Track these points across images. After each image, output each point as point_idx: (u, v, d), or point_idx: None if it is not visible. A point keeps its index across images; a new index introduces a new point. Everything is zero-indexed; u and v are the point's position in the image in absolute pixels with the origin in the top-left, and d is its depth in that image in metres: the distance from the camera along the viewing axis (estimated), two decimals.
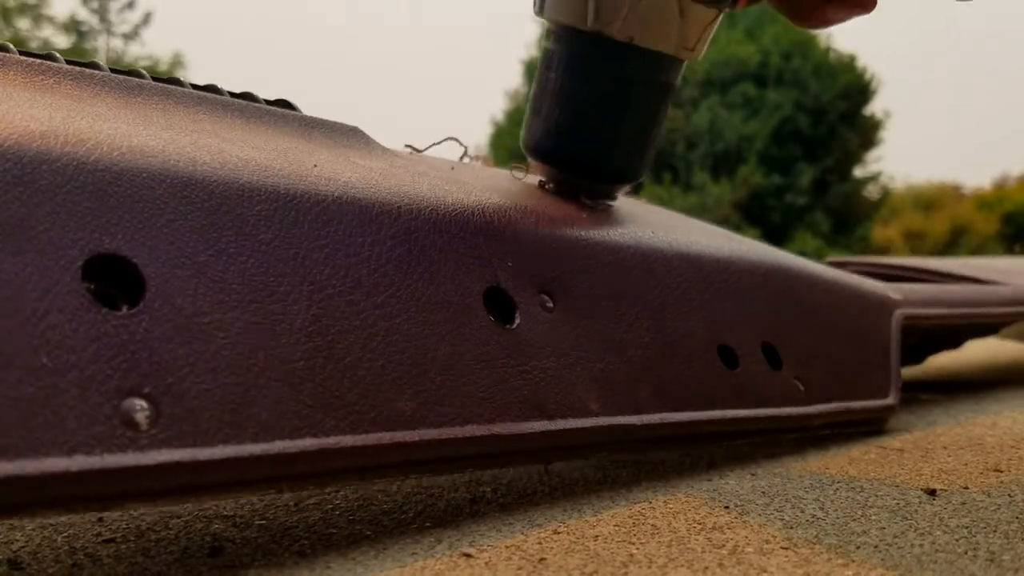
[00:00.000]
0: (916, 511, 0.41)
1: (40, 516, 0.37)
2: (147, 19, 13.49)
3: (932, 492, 0.45)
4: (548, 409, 0.42)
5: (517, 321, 0.43)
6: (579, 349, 0.45)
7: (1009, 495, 0.44)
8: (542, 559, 0.34)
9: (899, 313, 0.68)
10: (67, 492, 0.28)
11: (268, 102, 0.47)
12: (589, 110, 0.52)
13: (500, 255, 0.44)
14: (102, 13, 13.35)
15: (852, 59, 9.24)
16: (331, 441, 0.34)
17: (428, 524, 0.40)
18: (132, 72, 0.43)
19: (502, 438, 0.39)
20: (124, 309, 0.31)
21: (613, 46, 0.50)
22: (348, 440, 0.34)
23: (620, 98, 0.52)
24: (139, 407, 0.29)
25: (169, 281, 0.32)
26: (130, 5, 13.40)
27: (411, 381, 0.37)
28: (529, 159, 0.56)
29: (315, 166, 0.40)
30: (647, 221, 0.55)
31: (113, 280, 0.31)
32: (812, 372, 0.58)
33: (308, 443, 0.33)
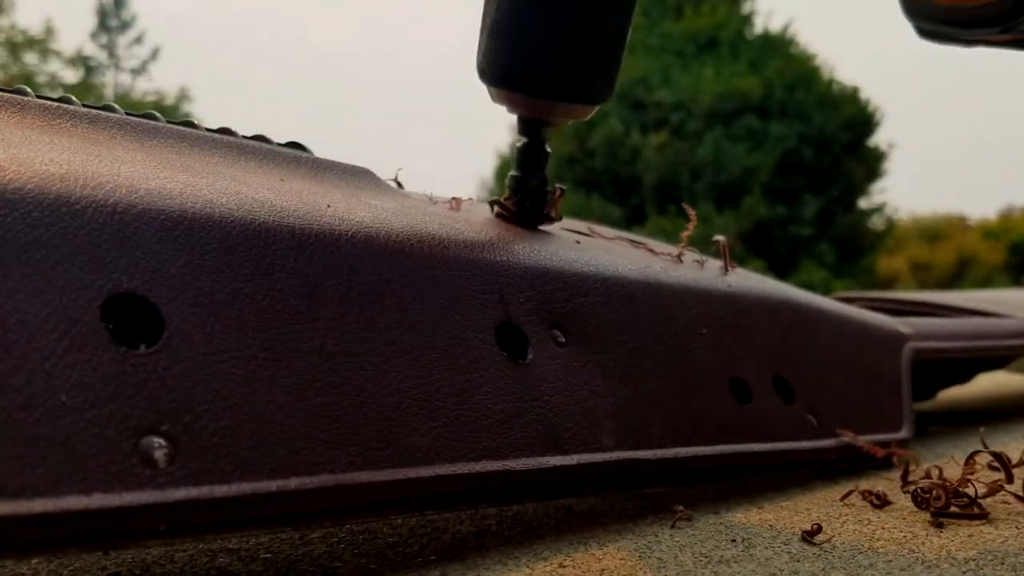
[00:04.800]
0: (923, 543, 0.41)
1: (58, 554, 0.37)
2: (155, 54, 13.62)
3: (939, 524, 0.44)
4: (562, 444, 0.41)
5: (530, 356, 0.43)
6: (592, 383, 0.44)
7: (1016, 527, 0.44)
8: None
9: (909, 347, 0.68)
10: (86, 530, 0.28)
11: (280, 145, 0.48)
12: (570, 29, 0.47)
13: (512, 290, 0.44)
14: (110, 48, 13.47)
15: (855, 91, 9.29)
16: (346, 478, 0.34)
17: (433, 558, 0.40)
18: (147, 115, 0.43)
19: (516, 473, 0.39)
20: (143, 348, 0.31)
21: None
22: (363, 476, 0.34)
23: (600, 15, 0.47)
24: (157, 445, 0.30)
25: (187, 320, 0.32)
26: (138, 40, 13.54)
27: (425, 416, 0.37)
28: (493, 89, 0.49)
29: (329, 206, 0.40)
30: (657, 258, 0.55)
31: (132, 319, 0.31)
32: (824, 405, 0.57)
33: (324, 480, 0.33)
